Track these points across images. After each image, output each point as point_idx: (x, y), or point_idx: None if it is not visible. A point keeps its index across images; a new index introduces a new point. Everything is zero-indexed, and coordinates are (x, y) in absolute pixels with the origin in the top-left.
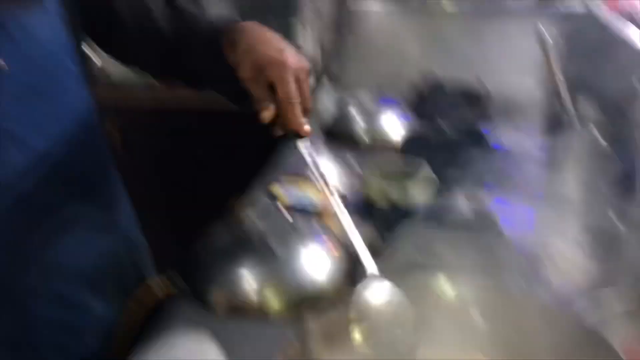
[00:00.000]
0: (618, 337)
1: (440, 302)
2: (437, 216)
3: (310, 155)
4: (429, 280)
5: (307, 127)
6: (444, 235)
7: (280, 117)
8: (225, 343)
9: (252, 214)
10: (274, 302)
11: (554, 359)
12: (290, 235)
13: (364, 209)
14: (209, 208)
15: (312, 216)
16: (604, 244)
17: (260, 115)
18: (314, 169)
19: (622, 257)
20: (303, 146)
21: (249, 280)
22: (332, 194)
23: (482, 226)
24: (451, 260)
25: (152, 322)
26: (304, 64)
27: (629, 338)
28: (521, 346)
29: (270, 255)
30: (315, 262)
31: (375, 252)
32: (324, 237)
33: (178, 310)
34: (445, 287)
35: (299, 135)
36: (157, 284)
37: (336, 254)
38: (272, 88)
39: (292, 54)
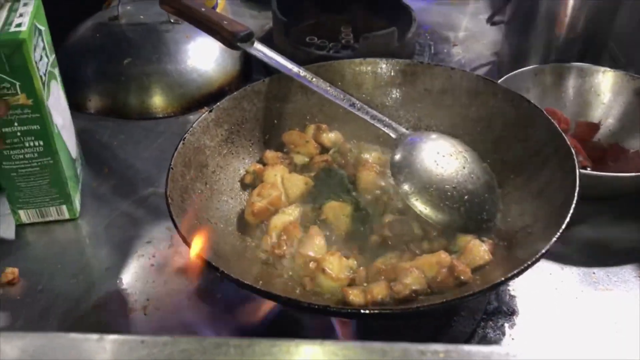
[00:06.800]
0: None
1: None
2: None
3: None
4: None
5: None
6: None
7: None
8: (107, 144)
9: (124, 7)
10: (156, 100)
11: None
12: (169, 24)
13: None
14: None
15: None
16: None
17: None
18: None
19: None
20: None
21: (124, 79)
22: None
23: None
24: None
25: None
26: None
27: None
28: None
29: (147, 50)
30: (200, 53)
31: None
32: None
33: None
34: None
35: None
36: None
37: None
38: None
39: None
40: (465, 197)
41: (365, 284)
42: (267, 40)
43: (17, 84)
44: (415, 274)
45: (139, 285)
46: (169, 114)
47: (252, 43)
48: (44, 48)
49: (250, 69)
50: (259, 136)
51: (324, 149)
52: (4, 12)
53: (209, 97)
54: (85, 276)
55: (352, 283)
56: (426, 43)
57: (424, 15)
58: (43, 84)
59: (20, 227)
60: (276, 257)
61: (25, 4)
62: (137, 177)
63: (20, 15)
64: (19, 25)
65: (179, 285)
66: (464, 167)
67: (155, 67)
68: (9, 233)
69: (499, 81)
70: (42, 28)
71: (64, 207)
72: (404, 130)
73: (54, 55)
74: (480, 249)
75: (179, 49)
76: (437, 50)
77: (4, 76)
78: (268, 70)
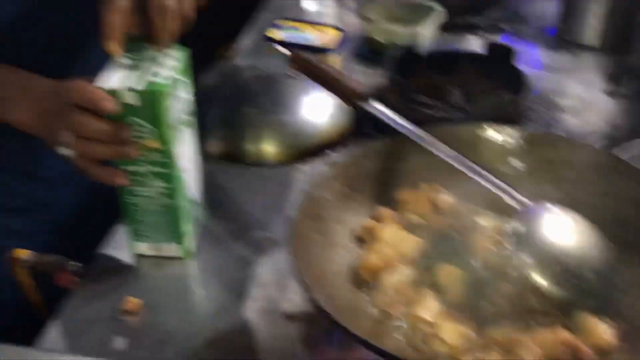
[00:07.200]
0: None
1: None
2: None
3: None
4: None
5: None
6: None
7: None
8: (222, 187)
9: (244, 59)
10: (270, 148)
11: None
12: (287, 77)
13: (369, 53)
14: (199, 57)
15: (312, 54)
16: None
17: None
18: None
19: None
20: None
21: (242, 127)
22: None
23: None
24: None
25: None
26: None
27: None
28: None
29: (265, 100)
30: (314, 106)
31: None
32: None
33: None
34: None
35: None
36: None
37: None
38: None
39: None
40: (586, 274)
41: (478, 354)
42: (377, 98)
43: (151, 129)
44: (532, 348)
45: (247, 328)
46: (281, 162)
47: (369, 101)
48: (183, 99)
49: (360, 124)
50: (374, 192)
51: (437, 210)
52: (152, 64)
53: (320, 149)
54: (198, 313)
55: (465, 352)
56: (538, 109)
57: (536, 80)
58: (176, 130)
59: (137, 259)
60: (388, 316)
61: (173, 57)
62: (249, 220)
63: (167, 67)
64: (162, 77)
65: (287, 330)
66: (585, 244)
67: (272, 117)
68: (129, 260)
69: (616, 154)
70: (185, 80)
71: (178, 245)
72: (525, 199)
73: (192, 105)
74: (601, 330)
75: (295, 101)
76: (550, 117)
77: (141, 121)
78: (377, 126)
